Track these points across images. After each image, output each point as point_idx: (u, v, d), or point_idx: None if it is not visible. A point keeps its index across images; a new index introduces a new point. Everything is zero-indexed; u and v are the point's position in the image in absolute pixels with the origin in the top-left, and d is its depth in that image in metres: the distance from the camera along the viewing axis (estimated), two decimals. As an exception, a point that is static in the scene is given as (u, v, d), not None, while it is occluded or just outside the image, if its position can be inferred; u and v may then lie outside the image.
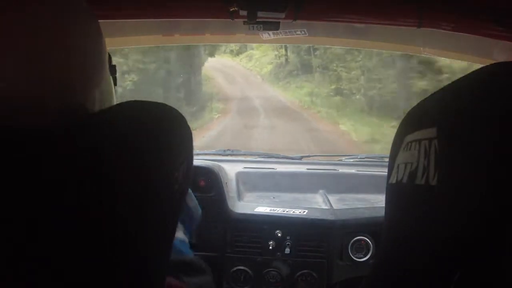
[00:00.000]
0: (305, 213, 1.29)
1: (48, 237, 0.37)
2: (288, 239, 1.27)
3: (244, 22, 0.88)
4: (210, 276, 0.68)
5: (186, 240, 0.71)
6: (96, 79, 0.46)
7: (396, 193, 0.39)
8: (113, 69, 0.55)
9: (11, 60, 0.38)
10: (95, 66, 0.45)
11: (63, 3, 0.42)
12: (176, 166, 0.44)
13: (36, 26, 0.39)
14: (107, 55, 0.50)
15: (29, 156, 0.37)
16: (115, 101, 0.54)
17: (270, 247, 1.27)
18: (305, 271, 1.27)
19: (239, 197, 1.39)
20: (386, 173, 0.43)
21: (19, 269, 0.36)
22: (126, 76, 6.55)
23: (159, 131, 0.44)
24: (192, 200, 0.77)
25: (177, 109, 0.48)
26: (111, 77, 0.53)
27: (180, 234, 0.70)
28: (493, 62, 0.38)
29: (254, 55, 13.37)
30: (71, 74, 0.42)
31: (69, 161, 0.38)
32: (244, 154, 1.74)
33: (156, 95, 7.13)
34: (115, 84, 0.57)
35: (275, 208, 1.32)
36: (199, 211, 0.78)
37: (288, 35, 1.04)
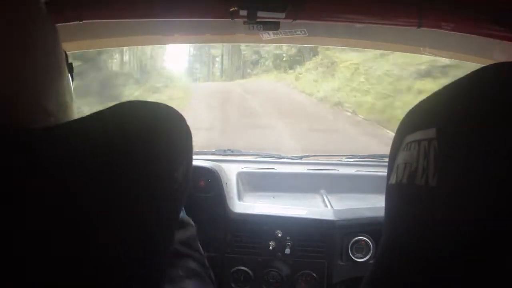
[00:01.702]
0: (305, 213, 1.29)
1: (39, 236, 0.37)
2: (288, 239, 1.27)
3: (244, 22, 0.88)
4: (194, 229, 0.69)
5: None
6: (53, 77, 0.46)
7: (396, 193, 0.39)
8: (70, 67, 0.56)
9: None
10: (51, 64, 0.46)
11: (17, 3, 0.42)
12: (175, 166, 0.44)
13: None
14: (63, 54, 0.50)
15: (25, 156, 0.37)
16: (73, 98, 0.55)
17: (270, 247, 1.27)
18: (305, 271, 1.26)
19: (239, 197, 1.39)
20: (386, 173, 0.43)
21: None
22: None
23: (158, 130, 0.44)
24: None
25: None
26: (69, 74, 0.53)
27: None
28: (493, 62, 0.38)
29: (340, 60, 5.04)
30: (26, 74, 0.42)
31: (64, 160, 0.38)
32: (244, 154, 1.74)
33: None
34: (72, 80, 0.58)
35: (275, 208, 1.32)
36: None
37: (288, 35, 1.04)
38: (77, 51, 1.33)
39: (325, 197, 1.43)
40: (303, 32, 1.06)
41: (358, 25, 1.06)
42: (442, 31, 0.91)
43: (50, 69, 0.45)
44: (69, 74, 0.54)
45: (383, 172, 1.49)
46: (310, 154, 1.78)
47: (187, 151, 0.47)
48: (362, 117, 4.77)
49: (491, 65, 0.36)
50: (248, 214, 1.31)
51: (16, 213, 0.36)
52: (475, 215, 0.30)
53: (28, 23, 0.42)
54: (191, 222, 0.70)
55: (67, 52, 0.57)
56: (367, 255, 1.25)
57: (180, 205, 0.50)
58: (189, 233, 0.68)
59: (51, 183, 0.37)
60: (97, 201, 0.39)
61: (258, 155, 1.75)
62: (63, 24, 0.88)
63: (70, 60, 0.59)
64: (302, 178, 1.55)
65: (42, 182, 0.37)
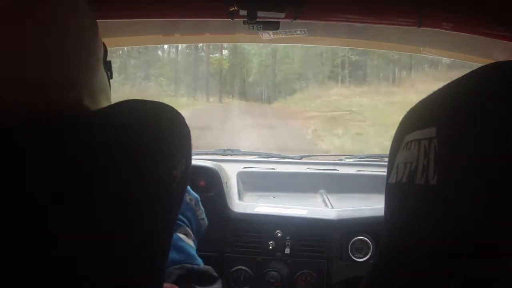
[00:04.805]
0: (305, 213, 1.29)
1: (37, 233, 0.37)
2: (288, 239, 1.27)
3: (244, 22, 0.88)
4: (220, 285, 0.70)
5: (195, 248, 0.74)
6: (90, 74, 0.46)
7: (396, 192, 0.39)
8: (108, 64, 0.56)
9: (3, 56, 0.38)
10: (89, 61, 0.46)
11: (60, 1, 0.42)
12: (174, 164, 0.44)
13: (29, 24, 0.39)
14: (102, 51, 0.50)
15: (31, 152, 0.37)
16: (111, 96, 0.55)
17: (270, 247, 1.27)
18: (305, 271, 1.26)
19: (239, 197, 1.39)
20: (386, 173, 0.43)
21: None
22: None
23: (156, 129, 0.44)
24: (202, 213, 0.80)
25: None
26: (105, 72, 0.53)
27: (190, 242, 0.73)
28: (493, 61, 0.38)
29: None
30: (65, 70, 0.42)
31: (64, 159, 0.38)
32: (244, 154, 1.74)
33: None
34: (111, 77, 0.58)
35: (275, 208, 1.32)
36: (206, 224, 0.81)
37: (288, 35, 1.05)
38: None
39: (325, 197, 1.43)
40: (303, 32, 1.06)
41: (358, 25, 1.05)
42: (442, 31, 0.91)
43: (86, 62, 0.45)
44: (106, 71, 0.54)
45: (383, 171, 1.49)
46: (310, 154, 1.78)
47: (186, 149, 0.48)
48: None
49: (490, 64, 0.36)
50: (248, 213, 1.31)
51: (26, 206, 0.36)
52: (475, 214, 0.31)
53: (65, 14, 0.43)
54: (218, 277, 0.74)
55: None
56: (367, 255, 1.24)
57: (179, 204, 0.50)
58: None
59: (46, 183, 0.37)
60: (95, 200, 0.39)
61: (258, 155, 1.75)
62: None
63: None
64: (302, 178, 1.55)
65: (36, 183, 0.37)
